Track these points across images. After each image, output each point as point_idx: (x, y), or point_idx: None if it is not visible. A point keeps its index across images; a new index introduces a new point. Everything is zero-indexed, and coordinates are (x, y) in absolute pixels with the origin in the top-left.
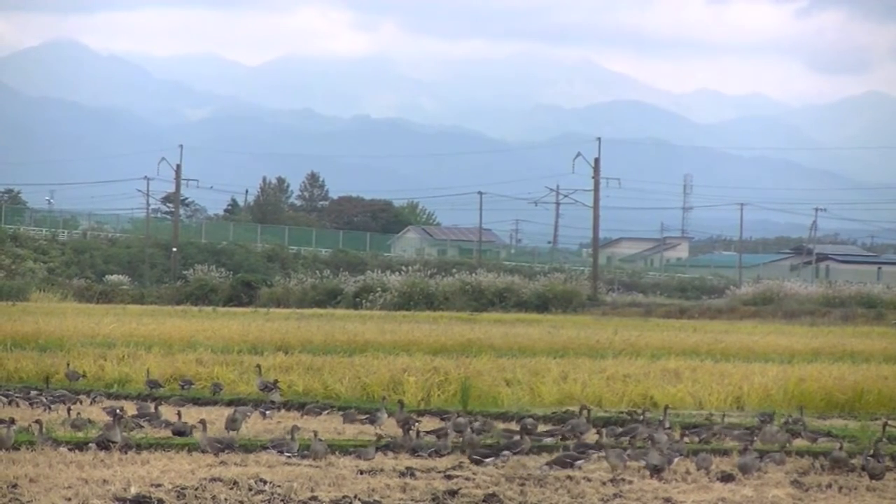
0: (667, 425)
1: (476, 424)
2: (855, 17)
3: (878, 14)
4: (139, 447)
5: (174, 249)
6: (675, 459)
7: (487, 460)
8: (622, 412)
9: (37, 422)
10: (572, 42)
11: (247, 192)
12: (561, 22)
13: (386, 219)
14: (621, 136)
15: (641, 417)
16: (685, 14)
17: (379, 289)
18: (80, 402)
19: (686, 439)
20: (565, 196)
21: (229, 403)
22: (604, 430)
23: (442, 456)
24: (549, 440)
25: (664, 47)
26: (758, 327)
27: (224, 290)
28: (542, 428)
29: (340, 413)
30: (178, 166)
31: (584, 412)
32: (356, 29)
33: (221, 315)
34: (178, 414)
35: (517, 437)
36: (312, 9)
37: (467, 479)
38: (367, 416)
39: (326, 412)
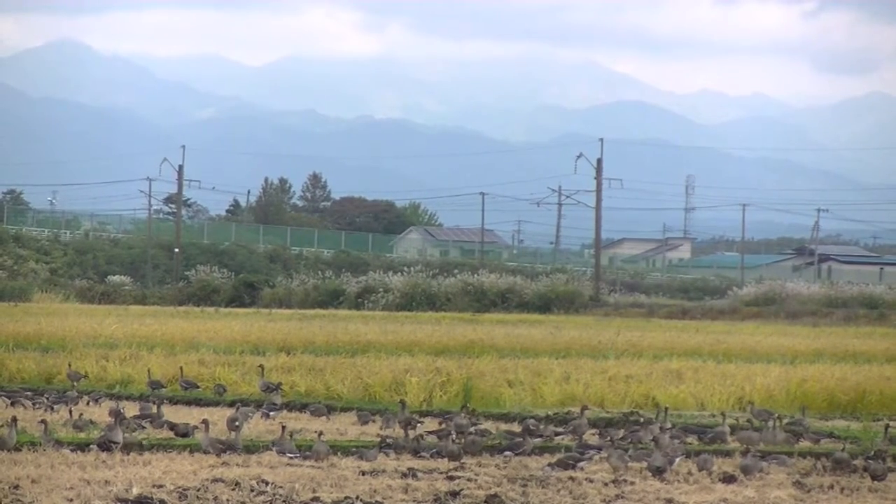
0: (668, 425)
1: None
2: (861, 19)
3: (885, 16)
4: (141, 448)
5: (176, 250)
6: (677, 460)
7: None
8: (623, 413)
9: (41, 422)
10: (576, 43)
11: (249, 192)
12: (566, 23)
13: (388, 219)
14: (624, 137)
15: (641, 419)
16: (690, 15)
17: (381, 289)
18: (79, 403)
19: (689, 440)
20: (567, 197)
21: (231, 404)
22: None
23: (444, 457)
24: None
25: (668, 48)
26: (760, 328)
27: (226, 290)
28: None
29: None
30: (181, 167)
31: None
32: (363, 30)
33: (224, 316)
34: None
35: (519, 439)
36: (320, 10)
37: (469, 479)
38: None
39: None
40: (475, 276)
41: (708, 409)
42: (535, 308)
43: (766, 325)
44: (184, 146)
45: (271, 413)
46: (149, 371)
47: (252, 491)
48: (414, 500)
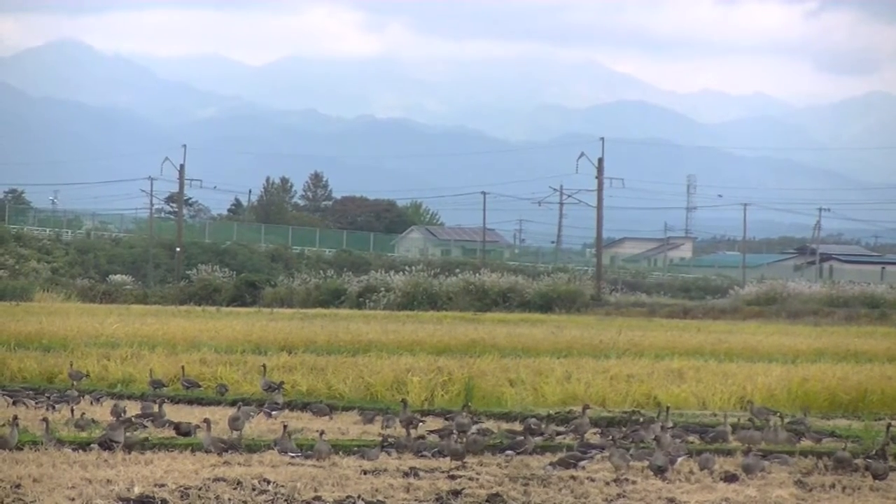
0: (668, 425)
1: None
2: (862, 19)
3: (886, 15)
4: (143, 447)
5: (178, 249)
6: (679, 460)
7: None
8: (625, 412)
9: (43, 420)
10: (578, 43)
11: (250, 192)
12: (567, 22)
13: (390, 219)
14: (625, 137)
15: (642, 418)
16: (691, 15)
17: (382, 289)
18: (81, 402)
19: (690, 439)
20: (569, 196)
21: (233, 403)
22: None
23: (445, 456)
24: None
25: (669, 48)
26: (761, 327)
27: (228, 290)
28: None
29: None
30: (182, 166)
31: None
32: (364, 30)
33: (225, 315)
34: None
35: (520, 438)
36: (321, 10)
37: (471, 479)
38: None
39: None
40: (476, 275)
41: (709, 408)
42: (536, 307)
43: (768, 324)
44: (185, 145)
45: (273, 412)
46: (150, 370)
47: (254, 490)
48: (416, 500)
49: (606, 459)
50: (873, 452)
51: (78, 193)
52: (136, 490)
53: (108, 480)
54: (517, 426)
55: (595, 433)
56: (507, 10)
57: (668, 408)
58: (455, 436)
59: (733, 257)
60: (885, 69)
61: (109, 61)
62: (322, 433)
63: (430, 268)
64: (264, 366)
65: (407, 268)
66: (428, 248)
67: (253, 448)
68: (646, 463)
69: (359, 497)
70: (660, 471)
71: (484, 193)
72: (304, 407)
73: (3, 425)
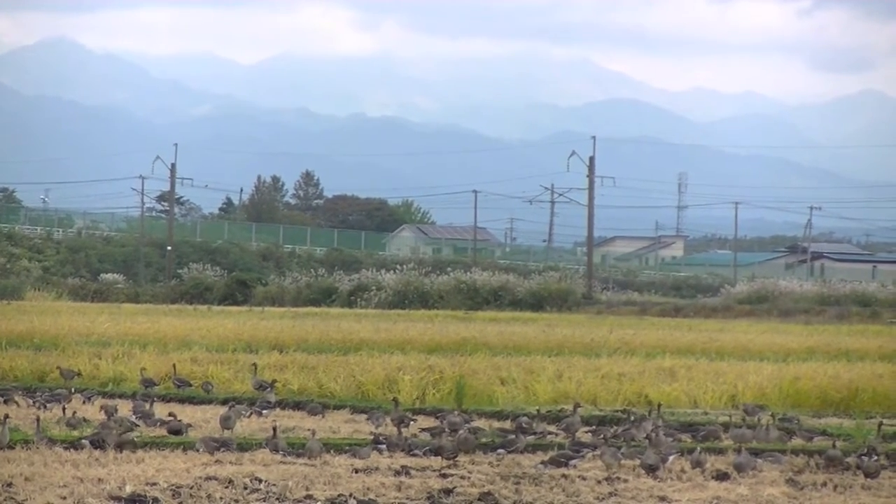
0: (659, 423)
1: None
2: (856, 17)
3: (880, 13)
4: (134, 446)
5: (169, 248)
6: (671, 458)
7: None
8: (616, 411)
9: (35, 418)
10: (572, 41)
11: (241, 190)
12: (562, 21)
13: (381, 217)
14: (617, 135)
15: (632, 417)
16: (685, 13)
17: (374, 287)
18: (72, 401)
19: (681, 437)
20: (560, 195)
21: (224, 402)
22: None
23: (437, 455)
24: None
25: (662, 46)
26: (753, 326)
27: (219, 288)
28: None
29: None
30: (174, 165)
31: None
32: (357, 28)
33: (216, 314)
34: (171, 414)
35: (512, 436)
36: (314, 8)
37: (462, 477)
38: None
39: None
40: (468, 273)
41: (701, 406)
42: (527, 306)
43: (759, 322)
44: (176, 144)
45: (264, 411)
46: (142, 369)
47: (245, 489)
48: (407, 498)
49: (598, 458)
50: (864, 451)
51: (69, 192)
52: (128, 489)
53: (99, 479)
54: (508, 425)
55: (586, 432)
56: (501, 9)
57: (659, 405)
58: (446, 434)
59: (725, 256)
60: (879, 67)
61: (102, 60)
62: (314, 432)
63: (422, 266)
64: (255, 364)
65: (398, 266)
66: (419, 246)
67: (244, 447)
68: (637, 461)
69: (350, 495)
70: (651, 469)
71: (475, 192)
72: (296, 406)
73: None
